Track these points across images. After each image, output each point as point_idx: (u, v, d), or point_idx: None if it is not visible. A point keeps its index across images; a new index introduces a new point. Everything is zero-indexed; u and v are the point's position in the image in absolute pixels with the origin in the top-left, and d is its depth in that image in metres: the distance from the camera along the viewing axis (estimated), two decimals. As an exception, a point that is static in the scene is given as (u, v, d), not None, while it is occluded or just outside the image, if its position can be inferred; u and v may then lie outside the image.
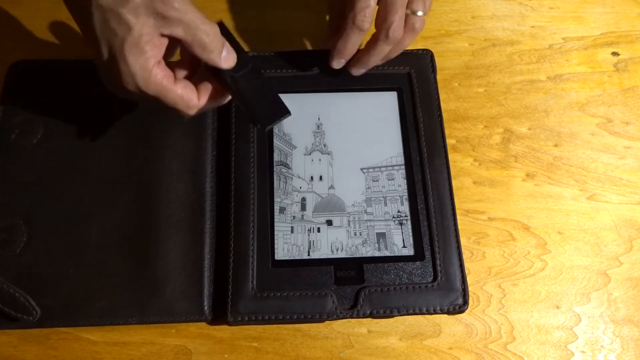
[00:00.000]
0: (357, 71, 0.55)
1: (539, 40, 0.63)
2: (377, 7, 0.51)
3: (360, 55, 0.54)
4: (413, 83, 0.56)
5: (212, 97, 0.46)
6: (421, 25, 0.52)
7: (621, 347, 0.50)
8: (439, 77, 0.58)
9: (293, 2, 0.63)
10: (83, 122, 0.53)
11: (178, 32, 0.41)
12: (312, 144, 0.54)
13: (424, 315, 0.50)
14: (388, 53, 0.53)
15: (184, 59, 0.46)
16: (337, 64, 0.54)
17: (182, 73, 0.46)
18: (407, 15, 0.51)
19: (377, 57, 0.53)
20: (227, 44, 0.44)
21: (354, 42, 0.52)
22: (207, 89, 0.45)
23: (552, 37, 0.63)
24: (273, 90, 0.46)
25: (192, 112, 0.45)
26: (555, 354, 0.49)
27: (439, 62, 0.58)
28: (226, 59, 0.44)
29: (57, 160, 0.52)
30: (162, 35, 0.41)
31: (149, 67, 0.41)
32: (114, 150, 0.52)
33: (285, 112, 0.45)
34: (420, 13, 0.51)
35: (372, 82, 0.56)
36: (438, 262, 0.49)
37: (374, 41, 0.52)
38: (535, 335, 0.50)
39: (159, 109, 0.45)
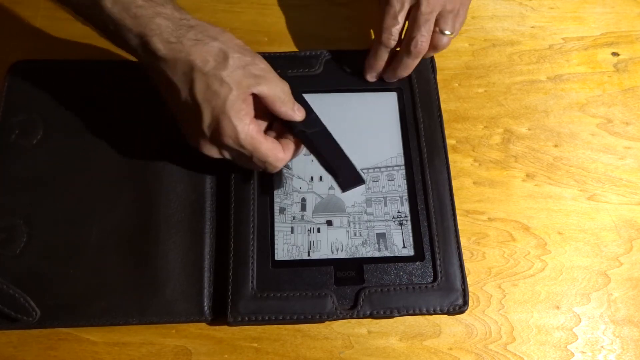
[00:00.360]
0: (388, 79, 0.57)
1: (539, 41, 0.63)
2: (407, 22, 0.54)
3: (389, 67, 0.56)
4: (413, 83, 0.56)
5: (294, 151, 0.48)
6: (445, 44, 0.54)
7: (621, 347, 0.50)
8: (439, 77, 0.58)
9: (293, 2, 0.63)
10: (83, 122, 0.53)
11: (263, 89, 0.45)
12: (313, 144, 0.54)
13: (424, 316, 0.50)
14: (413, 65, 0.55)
15: (259, 116, 0.48)
16: (371, 77, 0.57)
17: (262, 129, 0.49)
18: (434, 33, 0.53)
19: (403, 71, 0.55)
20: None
21: (382, 57, 0.55)
22: (288, 142, 0.48)
23: (552, 37, 0.63)
24: (345, 154, 0.47)
25: (280, 164, 0.47)
26: (555, 354, 0.49)
27: (439, 62, 0.58)
28: (298, 110, 0.47)
29: (57, 160, 0.52)
30: (252, 93, 0.45)
31: (247, 122, 0.44)
32: (113, 151, 0.52)
33: (362, 180, 0.46)
34: (447, 32, 0.53)
35: (372, 83, 0.56)
36: (438, 262, 0.49)
37: (399, 55, 0.54)
38: (535, 336, 0.50)
39: (243, 165, 0.49)
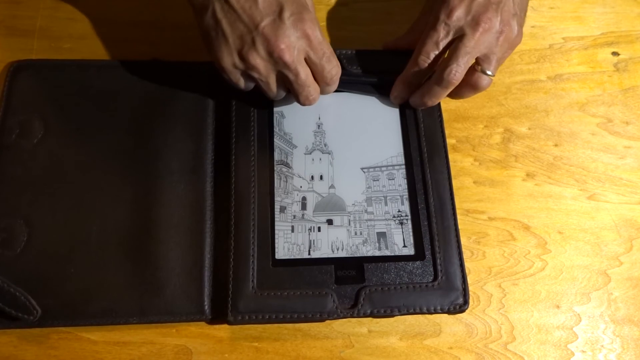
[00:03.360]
0: (414, 105, 0.55)
1: (539, 40, 0.63)
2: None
3: (418, 92, 0.54)
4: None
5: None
6: (485, 86, 0.52)
7: (621, 346, 0.50)
8: (439, 77, 0.58)
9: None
10: (83, 122, 0.53)
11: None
12: (313, 144, 0.54)
13: (424, 315, 0.50)
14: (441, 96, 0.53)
15: None
16: (395, 100, 0.55)
17: None
18: (475, 71, 0.51)
19: (430, 99, 0.53)
20: None
21: (413, 79, 0.53)
22: None
23: (552, 37, 0.63)
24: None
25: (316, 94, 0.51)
26: (556, 353, 0.49)
27: (439, 62, 0.58)
28: None
29: (58, 160, 0.52)
30: None
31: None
32: (114, 150, 0.52)
33: None
34: (489, 73, 0.51)
35: (372, 84, 0.56)
36: (438, 261, 0.49)
37: (430, 81, 0.52)
38: (535, 335, 0.50)
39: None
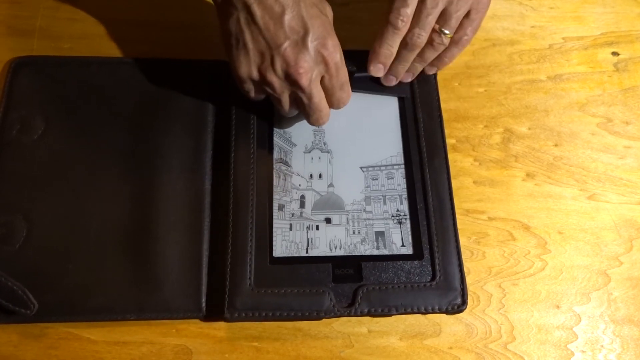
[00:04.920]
0: (389, 81, 0.55)
1: (539, 40, 0.63)
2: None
3: (392, 63, 0.54)
4: (413, 83, 0.56)
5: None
6: (444, 43, 0.52)
7: (621, 346, 0.50)
8: (439, 76, 0.58)
9: (293, 2, 0.63)
10: (83, 119, 0.53)
11: None
12: (312, 142, 0.54)
13: (424, 315, 0.50)
14: (415, 66, 0.54)
15: None
16: (375, 69, 0.54)
17: None
18: (433, 30, 0.51)
19: (402, 64, 0.53)
20: None
21: (389, 42, 0.52)
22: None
23: (552, 37, 0.63)
24: None
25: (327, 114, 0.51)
26: (556, 353, 0.49)
27: (439, 61, 0.58)
28: None
29: (57, 156, 0.52)
30: None
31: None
32: (113, 147, 0.52)
33: None
34: (446, 32, 0.51)
35: (372, 84, 0.56)
36: (437, 261, 0.49)
37: (399, 49, 0.52)
38: (535, 335, 0.50)
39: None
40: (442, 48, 0.53)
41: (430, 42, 0.52)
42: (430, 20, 0.50)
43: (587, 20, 0.64)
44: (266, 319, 0.47)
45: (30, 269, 0.48)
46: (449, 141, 0.56)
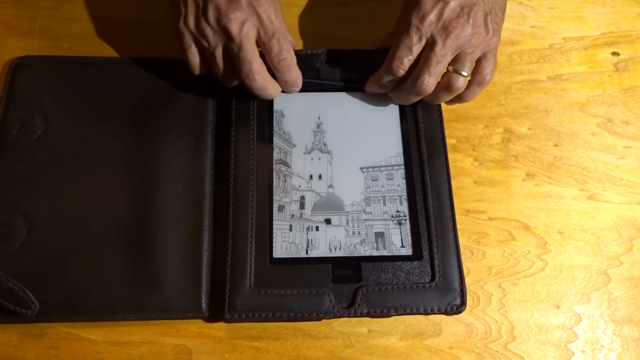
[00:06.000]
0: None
1: (539, 40, 0.63)
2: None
3: (392, 90, 0.54)
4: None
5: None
6: (461, 85, 0.50)
7: (621, 346, 0.50)
8: (439, 77, 0.58)
9: (293, 2, 0.63)
10: (83, 119, 0.53)
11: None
12: (312, 143, 0.54)
13: (424, 315, 0.50)
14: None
15: None
16: (370, 91, 0.55)
17: None
18: (448, 72, 0.50)
19: (402, 102, 0.54)
20: None
21: (386, 82, 0.52)
22: None
23: (552, 37, 0.63)
24: None
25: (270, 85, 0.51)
26: (556, 353, 0.49)
27: (439, 61, 0.58)
28: None
29: (57, 156, 0.52)
30: None
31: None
32: (113, 147, 0.52)
33: None
34: (464, 74, 0.50)
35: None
36: (436, 262, 0.49)
37: (404, 86, 0.52)
38: (535, 335, 0.50)
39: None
40: (460, 91, 0.51)
41: (446, 86, 0.51)
42: (440, 68, 0.49)
43: (587, 20, 0.64)
44: (266, 319, 0.47)
45: (29, 269, 0.48)
46: (449, 141, 0.56)
